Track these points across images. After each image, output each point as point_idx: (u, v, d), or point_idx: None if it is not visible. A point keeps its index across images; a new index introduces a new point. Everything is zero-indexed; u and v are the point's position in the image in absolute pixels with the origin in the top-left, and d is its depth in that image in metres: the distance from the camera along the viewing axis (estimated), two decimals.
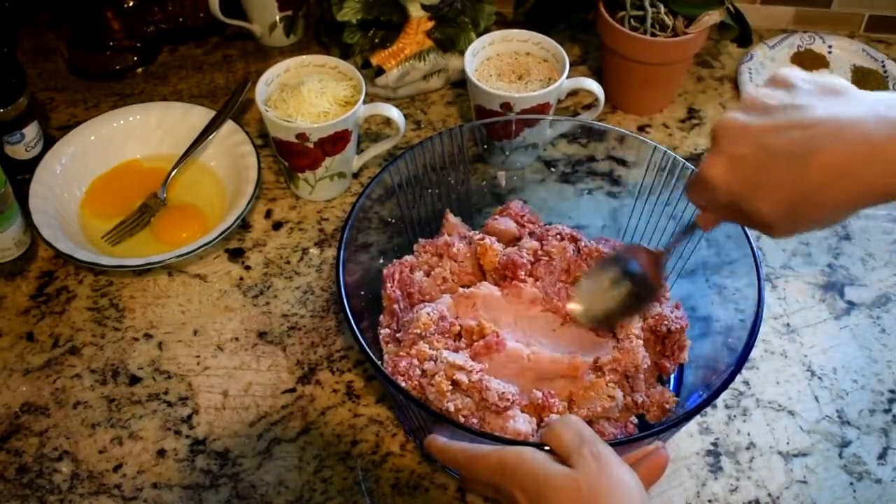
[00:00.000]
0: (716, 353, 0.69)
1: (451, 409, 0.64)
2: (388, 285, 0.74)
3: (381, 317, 0.74)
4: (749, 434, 0.76)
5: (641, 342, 0.70)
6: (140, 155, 0.95)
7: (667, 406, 0.69)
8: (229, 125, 0.93)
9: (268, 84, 0.88)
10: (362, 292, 0.73)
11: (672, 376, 0.74)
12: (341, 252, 0.69)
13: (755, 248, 0.68)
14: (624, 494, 0.51)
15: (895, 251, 0.89)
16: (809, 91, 0.52)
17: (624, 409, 0.69)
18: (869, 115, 0.49)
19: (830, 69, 1.08)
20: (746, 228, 0.68)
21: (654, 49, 0.94)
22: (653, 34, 0.94)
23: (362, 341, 0.64)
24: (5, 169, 0.81)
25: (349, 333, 0.81)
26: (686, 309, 0.75)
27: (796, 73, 0.54)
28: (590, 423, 0.66)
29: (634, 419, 0.69)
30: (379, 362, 0.65)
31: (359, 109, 0.85)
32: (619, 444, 0.57)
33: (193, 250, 0.83)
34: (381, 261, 0.77)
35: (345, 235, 0.70)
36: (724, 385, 0.62)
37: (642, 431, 0.68)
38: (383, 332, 0.73)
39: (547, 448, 0.55)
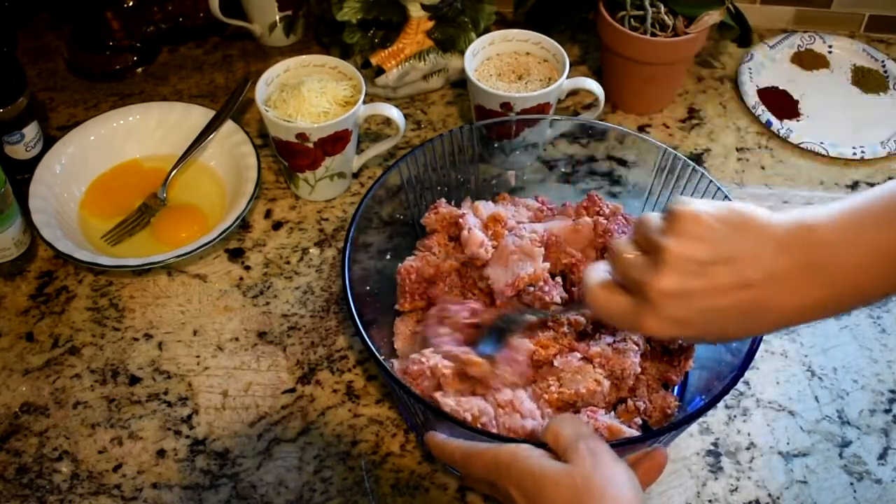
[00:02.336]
0: (718, 354, 0.69)
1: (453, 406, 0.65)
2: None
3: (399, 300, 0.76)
4: (749, 434, 0.75)
5: (637, 349, 0.69)
6: (140, 155, 0.95)
7: (668, 411, 0.69)
8: (229, 125, 0.93)
9: (268, 84, 0.88)
10: (367, 287, 0.73)
11: None
12: (347, 249, 0.69)
13: None
14: (619, 491, 0.51)
15: None
16: (726, 233, 0.51)
17: (625, 411, 0.69)
18: (791, 263, 0.51)
19: (830, 69, 1.08)
20: None
21: (655, 49, 0.94)
22: (653, 34, 0.94)
23: (366, 338, 0.64)
24: (5, 169, 0.81)
25: (351, 333, 0.81)
26: None
27: (699, 210, 0.52)
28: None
29: (639, 420, 0.69)
30: (381, 357, 0.65)
31: (359, 109, 0.85)
32: (618, 447, 0.57)
33: (193, 250, 0.83)
34: (381, 261, 0.77)
35: (350, 235, 0.70)
36: (725, 391, 0.62)
37: (642, 434, 0.68)
38: (399, 326, 0.75)
39: (544, 446, 0.55)
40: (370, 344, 0.64)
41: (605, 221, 0.74)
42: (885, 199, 0.50)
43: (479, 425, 0.62)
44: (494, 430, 0.64)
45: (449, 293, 0.75)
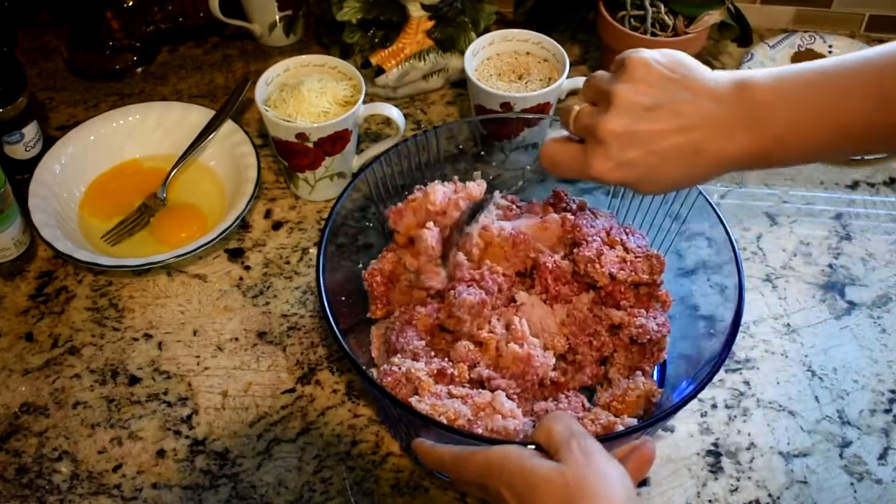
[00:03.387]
0: (698, 340, 0.70)
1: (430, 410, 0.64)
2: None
3: (372, 306, 0.75)
4: (749, 434, 0.75)
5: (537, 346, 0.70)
6: (139, 155, 0.95)
7: (653, 399, 0.69)
8: (229, 125, 0.93)
9: (267, 84, 0.88)
10: (342, 298, 0.72)
11: (656, 372, 0.74)
12: (321, 256, 0.68)
13: (728, 226, 0.71)
14: (611, 490, 0.51)
15: (895, 251, 0.89)
16: (665, 75, 0.57)
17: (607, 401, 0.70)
18: (727, 112, 0.56)
19: None
20: (730, 230, 0.71)
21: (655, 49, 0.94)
22: (653, 34, 0.94)
23: (348, 350, 0.64)
24: (5, 169, 0.81)
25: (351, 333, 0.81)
26: (688, 308, 0.75)
27: (648, 57, 0.57)
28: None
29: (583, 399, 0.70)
30: (362, 364, 0.64)
31: (358, 109, 0.85)
32: (608, 441, 0.57)
33: (193, 250, 0.83)
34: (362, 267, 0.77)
35: (324, 239, 0.70)
36: (710, 376, 0.63)
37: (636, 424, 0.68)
38: (374, 334, 0.74)
39: (534, 446, 0.55)
40: (352, 355, 0.64)
41: (572, 217, 0.75)
42: (819, 66, 0.56)
43: (456, 426, 0.62)
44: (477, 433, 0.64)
45: (409, 294, 0.75)
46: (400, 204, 0.74)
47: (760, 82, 0.56)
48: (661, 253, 0.74)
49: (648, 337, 0.71)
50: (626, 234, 0.75)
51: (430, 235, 0.72)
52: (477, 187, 0.75)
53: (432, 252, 0.72)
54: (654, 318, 0.72)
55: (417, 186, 0.76)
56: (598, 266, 0.71)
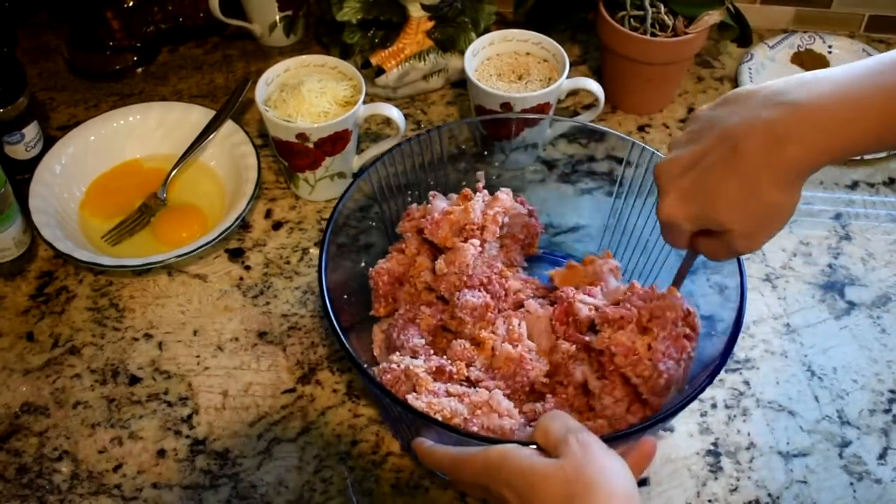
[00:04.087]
0: (699, 339, 0.70)
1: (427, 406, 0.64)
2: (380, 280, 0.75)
3: (375, 305, 0.75)
4: (749, 434, 0.76)
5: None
6: (140, 155, 0.95)
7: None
8: (229, 125, 0.93)
9: (268, 84, 0.88)
10: (344, 296, 0.72)
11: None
12: (323, 255, 0.69)
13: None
14: (610, 481, 0.51)
15: (895, 251, 0.89)
16: (713, 108, 0.58)
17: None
18: (762, 108, 0.54)
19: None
20: None
21: (654, 49, 0.94)
22: (653, 34, 0.94)
23: (347, 345, 0.64)
24: (5, 169, 0.81)
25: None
26: None
27: (703, 107, 0.60)
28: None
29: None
30: (364, 364, 0.64)
31: (359, 109, 0.85)
32: (607, 441, 0.57)
33: (193, 250, 0.83)
34: (363, 265, 0.77)
35: (326, 238, 0.70)
36: (711, 377, 0.62)
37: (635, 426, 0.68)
38: (377, 332, 0.74)
39: (533, 445, 0.55)
40: (352, 353, 0.64)
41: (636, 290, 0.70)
42: (859, 66, 0.54)
43: (452, 424, 0.62)
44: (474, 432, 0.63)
45: (417, 295, 0.74)
46: (437, 215, 0.73)
47: (810, 80, 0.54)
48: (687, 354, 0.66)
49: (607, 421, 0.66)
50: (668, 340, 0.65)
51: (472, 253, 0.71)
52: (506, 197, 0.75)
53: (466, 269, 0.71)
54: (626, 414, 0.66)
55: (432, 193, 0.76)
56: (606, 332, 0.66)
